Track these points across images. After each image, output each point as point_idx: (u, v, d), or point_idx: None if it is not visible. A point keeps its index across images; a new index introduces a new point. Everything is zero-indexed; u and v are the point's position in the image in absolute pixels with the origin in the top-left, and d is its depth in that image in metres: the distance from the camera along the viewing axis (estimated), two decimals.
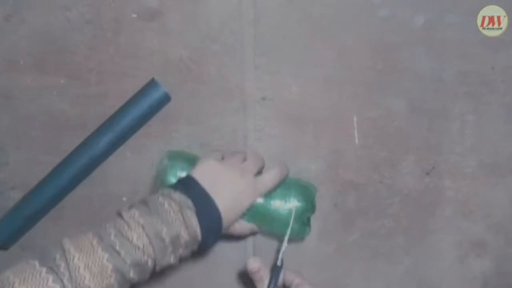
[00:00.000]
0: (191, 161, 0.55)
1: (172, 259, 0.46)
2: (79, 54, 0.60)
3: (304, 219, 0.55)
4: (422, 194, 0.60)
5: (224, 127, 0.60)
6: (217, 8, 0.60)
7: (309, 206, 0.55)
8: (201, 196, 0.48)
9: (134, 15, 0.60)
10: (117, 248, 0.43)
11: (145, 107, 0.58)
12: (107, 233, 0.44)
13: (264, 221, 0.54)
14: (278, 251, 0.54)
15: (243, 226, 0.53)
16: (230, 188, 0.50)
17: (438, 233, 0.60)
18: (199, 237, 0.47)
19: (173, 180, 0.53)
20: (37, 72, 0.60)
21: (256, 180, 0.52)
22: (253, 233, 0.56)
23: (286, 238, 0.53)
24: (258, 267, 0.51)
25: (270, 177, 0.53)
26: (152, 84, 0.59)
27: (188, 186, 0.48)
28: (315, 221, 0.58)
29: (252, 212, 0.53)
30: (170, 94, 0.59)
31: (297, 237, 0.56)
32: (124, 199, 0.60)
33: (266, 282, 0.51)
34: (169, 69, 0.60)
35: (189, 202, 0.46)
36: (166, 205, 0.46)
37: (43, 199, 0.58)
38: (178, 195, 0.47)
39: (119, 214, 0.46)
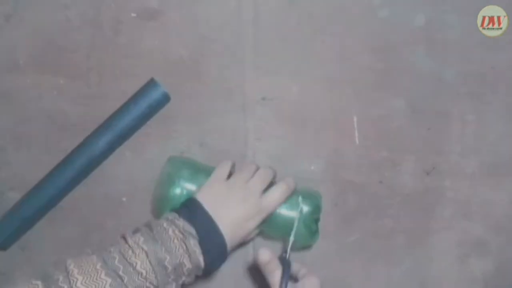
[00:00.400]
0: (194, 168, 0.55)
1: (174, 286, 0.46)
2: (79, 54, 0.60)
3: (311, 225, 0.55)
4: (422, 194, 0.60)
5: (224, 127, 0.60)
6: (217, 8, 0.60)
7: (315, 209, 0.55)
8: (205, 223, 0.48)
9: (134, 15, 0.60)
10: (120, 273, 0.43)
11: (145, 107, 0.58)
12: (111, 257, 0.44)
13: (269, 226, 0.54)
14: (285, 243, 0.53)
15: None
16: (234, 213, 0.50)
17: (439, 233, 0.60)
18: (202, 265, 0.47)
19: (176, 190, 0.53)
20: (37, 72, 0.60)
21: (261, 201, 0.51)
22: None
23: (293, 230, 0.52)
24: (269, 258, 0.50)
25: (275, 196, 0.52)
26: (151, 84, 0.59)
27: (193, 211, 0.49)
28: None
29: None
30: (169, 94, 0.59)
31: (306, 243, 0.56)
32: (124, 199, 0.60)
33: (277, 273, 0.50)
34: (169, 69, 0.60)
35: (193, 231, 0.47)
36: (170, 231, 0.46)
37: (42, 199, 0.58)
38: (182, 222, 0.47)
39: (124, 238, 0.46)
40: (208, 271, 0.49)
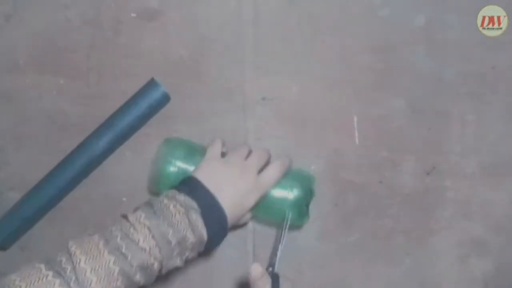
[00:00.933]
0: (189, 148, 0.55)
1: (178, 262, 0.46)
2: (79, 53, 0.60)
3: (302, 207, 0.55)
4: (422, 194, 0.60)
5: (224, 127, 0.60)
6: (217, 8, 0.60)
7: (308, 193, 0.55)
8: (206, 197, 0.48)
9: (134, 15, 0.60)
10: (124, 250, 0.42)
11: (145, 107, 0.58)
12: (113, 235, 0.43)
13: (261, 209, 0.54)
14: (274, 255, 0.53)
15: (246, 216, 0.54)
16: (233, 189, 0.50)
17: (439, 233, 0.60)
18: (205, 238, 0.47)
19: (170, 168, 0.53)
20: (37, 72, 0.60)
21: (258, 178, 0.52)
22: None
23: (280, 246, 0.53)
24: (262, 273, 0.50)
25: (272, 173, 0.53)
26: (151, 84, 0.59)
27: (193, 187, 0.48)
28: (315, 222, 0.58)
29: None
30: (169, 94, 0.59)
31: (295, 224, 0.56)
32: (124, 199, 0.60)
33: None
34: (169, 69, 0.60)
35: (194, 204, 0.47)
36: (171, 207, 0.46)
37: (42, 199, 0.58)
38: (183, 197, 0.47)
39: (125, 217, 0.46)
40: (209, 247, 0.48)
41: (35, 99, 0.60)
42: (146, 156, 0.60)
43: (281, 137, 0.61)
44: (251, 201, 0.51)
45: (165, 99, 0.59)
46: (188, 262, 0.48)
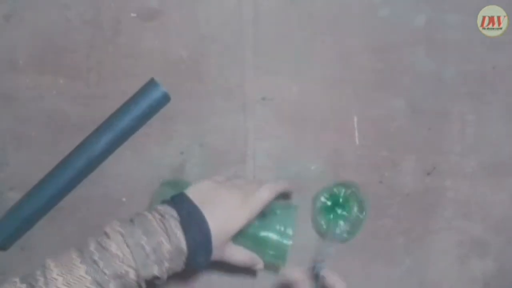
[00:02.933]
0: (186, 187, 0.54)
1: (156, 270, 0.44)
2: (79, 53, 0.60)
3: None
4: (422, 194, 0.60)
5: (224, 127, 0.60)
6: (217, 8, 0.60)
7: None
8: (187, 206, 0.47)
9: (134, 15, 0.60)
10: (96, 258, 0.42)
11: (144, 107, 0.58)
12: (87, 245, 0.43)
13: (261, 246, 0.53)
14: (320, 253, 0.52)
15: (242, 253, 0.52)
16: (222, 206, 0.49)
17: (439, 233, 0.60)
18: (184, 246, 0.45)
19: None
20: (36, 72, 0.60)
21: (248, 197, 0.50)
22: (255, 266, 0.54)
23: (330, 239, 0.52)
24: (299, 277, 0.50)
25: (261, 193, 0.51)
26: (151, 84, 0.59)
27: (176, 199, 0.48)
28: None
29: (248, 236, 0.52)
30: (169, 94, 0.59)
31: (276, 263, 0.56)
32: (124, 199, 0.60)
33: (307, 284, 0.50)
34: (169, 69, 0.60)
35: (174, 213, 0.46)
36: (149, 216, 0.46)
37: (42, 199, 0.58)
38: (163, 207, 0.47)
39: (103, 229, 0.45)
40: (192, 264, 0.47)
41: (35, 99, 0.60)
42: (146, 156, 0.60)
43: (281, 137, 0.61)
44: (239, 221, 0.49)
45: (165, 99, 0.59)
46: (170, 276, 0.46)
